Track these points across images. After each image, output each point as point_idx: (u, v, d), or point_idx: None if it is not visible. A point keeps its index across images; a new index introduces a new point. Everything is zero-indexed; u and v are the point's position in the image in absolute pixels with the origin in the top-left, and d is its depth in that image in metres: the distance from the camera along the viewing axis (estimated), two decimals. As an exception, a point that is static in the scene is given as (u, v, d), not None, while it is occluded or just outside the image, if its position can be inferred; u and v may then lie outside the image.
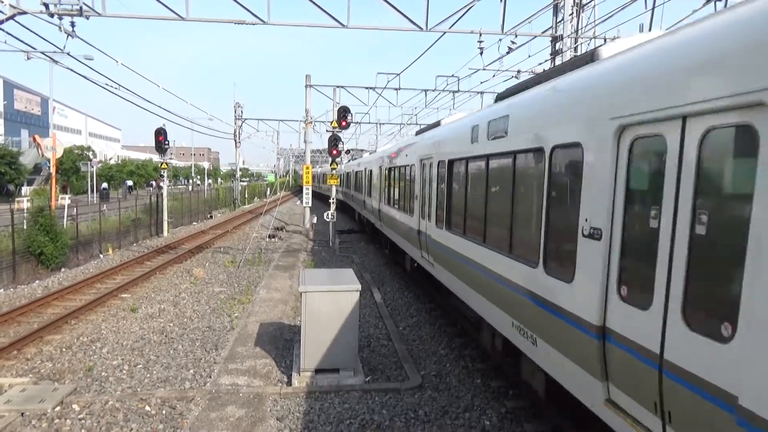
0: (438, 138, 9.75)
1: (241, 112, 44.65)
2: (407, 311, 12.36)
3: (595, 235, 4.14)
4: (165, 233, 25.90)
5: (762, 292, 2.66)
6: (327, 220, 23.73)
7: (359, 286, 7.75)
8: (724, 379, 2.83)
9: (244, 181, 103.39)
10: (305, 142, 29.53)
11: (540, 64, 23.22)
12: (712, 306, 3.04)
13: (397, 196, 13.94)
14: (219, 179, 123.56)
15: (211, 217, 36.87)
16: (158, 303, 12.79)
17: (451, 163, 8.55)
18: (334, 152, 23.45)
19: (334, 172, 24.49)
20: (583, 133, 4.36)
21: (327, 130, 25.50)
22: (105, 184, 55.62)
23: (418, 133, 12.86)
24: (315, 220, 27.86)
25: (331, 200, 24.19)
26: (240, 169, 61.96)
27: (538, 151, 5.22)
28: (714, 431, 2.87)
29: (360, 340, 9.39)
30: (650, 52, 3.72)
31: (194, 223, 32.52)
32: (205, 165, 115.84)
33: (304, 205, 27.81)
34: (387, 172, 15.66)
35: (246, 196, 53.68)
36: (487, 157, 6.66)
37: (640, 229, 3.69)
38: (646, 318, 3.54)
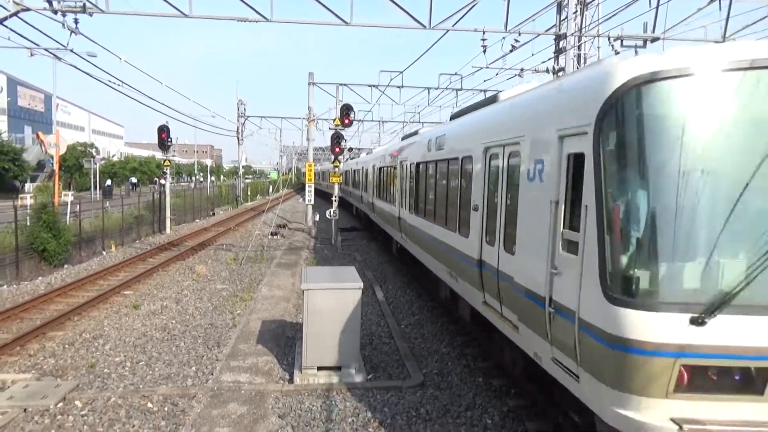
0: (410, 145, 12.63)
1: (244, 109, 44.70)
2: (409, 309, 12.38)
3: (477, 208, 7.10)
4: (168, 230, 25.96)
5: (522, 233, 5.42)
6: (329, 217, 23.74)
7: (361, 284, 7.75)
8: (512, 272, 5.65)
9: (248, 178, 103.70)
10: (308, 139, 29.55)
11: (543, 62, 23.10)
12: (510, 240, 5.80)
13: (384, 191, 16.76)
14: (222, 176, 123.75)
15: (214, 214, 36.94)
16: (160, 300, 12.82)
17: (417, 165, 11.43)
18: (337, 150, 23.43)
19: (336, 170, 24.48)
20: (472, 150, 7.31)
21: (330, 128, 25.49)
22: (109, 181, 55.77)
23: (403, 138, 15.75)
24: (317, 217, 27.88)
25: (333, 198, 24.19)
26: (242, 167, 62.00)
27: (455, 159, 8.24)
28: (509, 295, 5.78)
29: (362, 337, 9.40)
30: (493, 112, 7.01)
31: (197, 220, 32.58)
32: (208, 162, 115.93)
33: (307, 202, 27.83)
34: (378, 171, 18.20)
35: (248, 193, 53.74)
36: (436, 162, 9.58)
37: (492, 206, 6.56)
38: (493, 251, 6.40)
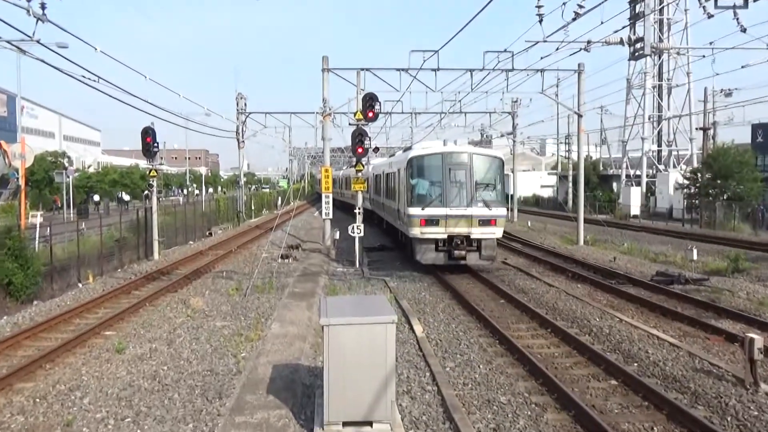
0: (394, 159, 27.52)
1: (245, 104, 45.33)
2: (456, 347, 12.29)
3: (400, 192, 23.27)
4: (156, 255, 26.41)
5: (388, 205, 27.79)
6: (352, 235, 23.79)
7: (395, 317, 7.71)
8: (398, 208, 24.07)
9: (266, 189, 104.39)
10: (323, 138, 29.75)
11: (616, 31, 22.84)
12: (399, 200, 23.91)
13: (389, 190, 27.91)
14: (220, 187, 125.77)
15: (211, 234, 37.46)
16: (149, 341, 13.00)
17: (397, 171, 24.27)
18: (360, 150, 23.52)
19: (359, 175, 24.54)
20: (399, 167, 23.37)
21: (350, 124, 25.69)
22: (96, 197, 57.30)
23: (404, 150, 28.93)
24: (337, 235, 27.95)
25: (357, 210, 24.23)
26: (244, 174, 62.83)
27: (396, 171, 24.51)
28: (399, 214, 24.33)
29: (398, 384, 9.33)
30: (397, 156, 28.66)
31: (190, 242, 33.09)
32: (203, 171, 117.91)
33: (324, 217, 27.97)
34: (386, 176, 29.01)
35: (252, 207, 54.35)
36: (398, 170, 23.94)
37: (404, 193, 22.20)
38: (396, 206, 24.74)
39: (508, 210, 23.57)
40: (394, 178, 25.09)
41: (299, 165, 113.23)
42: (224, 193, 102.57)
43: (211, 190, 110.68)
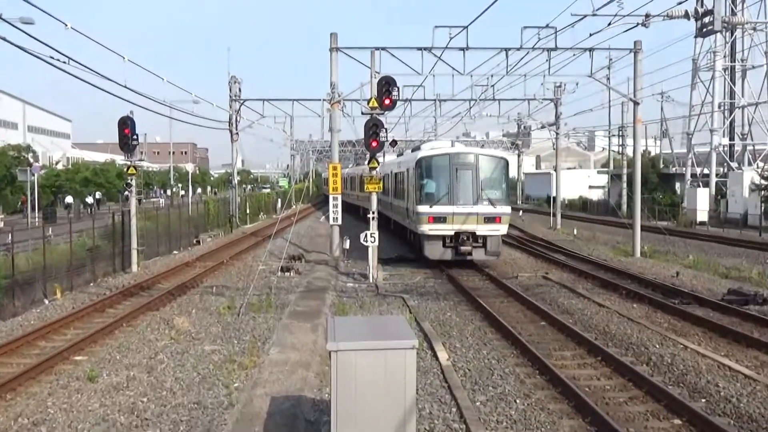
0: (402, 159, 33.31)
1: (239, 90, 45.59)
2: (488, 378, 12.25)
3: (408, 191, 28.79)
4: (134, 267, 26.60)
5: (396, 204, 33.27)
6: (365, 244, 23.82)
7: (415, 341, 7.69)
8: (408, 207, 29.93)
9: (266, 189, 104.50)
10: (331, 130, 29.90)
11: (680, 3, 22.73)
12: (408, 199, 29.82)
13: (397, 190, 32.72)
14: (209, 188, 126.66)
15: (198, 242, 37.70)
16: (126, 369, 13.06)
17: (406, 171, 29.90)
18: (374, 144, 23.56)
19: (374, 172, 24.59)
20: (408, 167, 29.04)
21: (363, 113, 25.64)
22: (69, 198, 57.83)
23: (412, 150, 34.67)
24: (348, 244, 28.02)
25: (370, 215, 24.27)
26: (238, 172, 63.16)
27: (404, 171, 30.43)
28: (408, 213, 29.97)
29: (418, 421, 9.30)
30: (406, 156, 34.78)
31: (174, 252, 33.32)
32: (189, 168, 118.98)
33: (331, 222, 28.06)
34: (394, 175, 33.77)
35: (248, 211, 54.61)
36: (407, 170, 29.69)
37: (413, 192, 27.55)
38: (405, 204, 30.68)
39: (512, 208, 29.42)
40: (403, 178, 30.13)
41: (302, 161, 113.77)
42: (215, 194, 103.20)
43: (199, 190, 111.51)
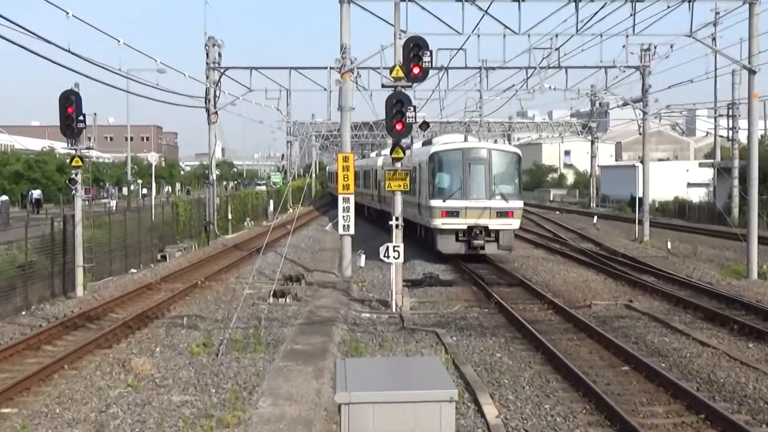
0: (413, 153, 31.70)
1: (219, 55, 45.82)
2: (551, 441, 12.19)
3: (421, 185, 38.57)
4: (79, 291, 26.66)
5: (404, 199, 29.79)
6: (386, 260, 23.72)
7: (454, 391, 7.69)
8: (419, 201, 40.21)
9: (261, 185, 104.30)
10: (340, 108, 29.97)
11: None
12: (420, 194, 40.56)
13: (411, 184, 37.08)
14: (179, 185, 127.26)
15: (165, 257, 37.88)
16: (68, 425, 13.13)
17: (418, 165, 38.59)
18: (399, 126, 23.41)
19: (398, 165, 24.42)
20: (420, 162, 38.29)
21: (383, 85, 25.61)
22: (5, 197, 58.42)
23: (423, 144, 43.74)
24: (363, 261, 28.01)
25: (393, 221, 24.14)
26: (218, 165, 63.36)
27: (416, 166, 37.89)
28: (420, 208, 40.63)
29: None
30: (417, 149, 41.14)
31: (133, 270, 33.52)
32: (152, 158, 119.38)
33: (341, 232, 28.07)
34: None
35: (230, 215, 54.72)
36: (419, 165, 38.53)
37: (425, 186, 37.49)
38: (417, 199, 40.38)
39: (523, 203, 37.58)
40: (415, 173, 35.70)
41: (303, 150, 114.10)
42: (187, 193, 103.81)
43: (167, 188, 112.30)
